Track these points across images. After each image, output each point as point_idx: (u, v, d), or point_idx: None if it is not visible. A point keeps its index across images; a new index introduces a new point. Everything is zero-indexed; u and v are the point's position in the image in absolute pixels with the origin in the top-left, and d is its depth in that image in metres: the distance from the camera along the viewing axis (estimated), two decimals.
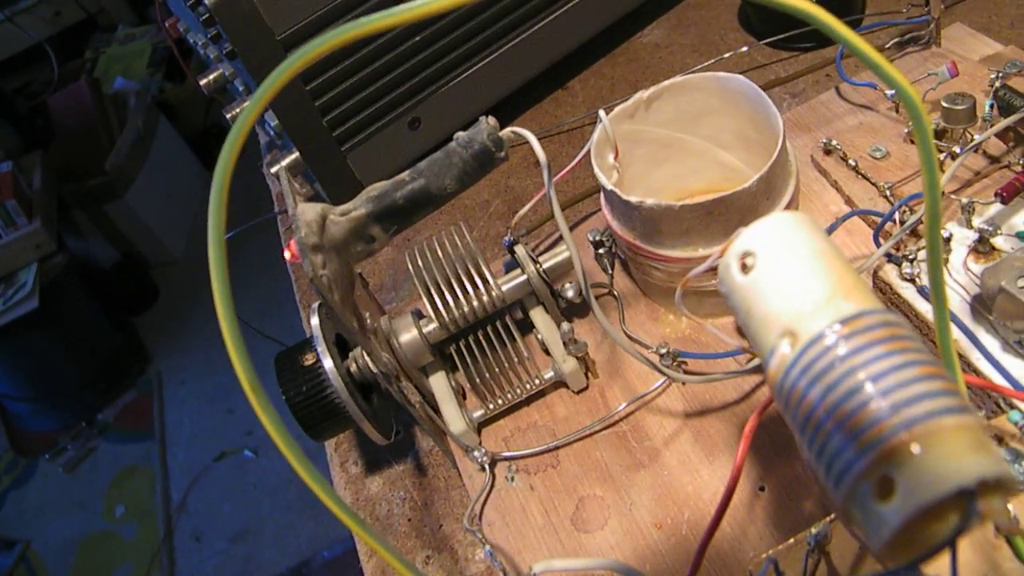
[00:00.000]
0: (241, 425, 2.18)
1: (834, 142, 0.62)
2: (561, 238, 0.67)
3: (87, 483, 2.20)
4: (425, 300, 0.54)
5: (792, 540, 0.41)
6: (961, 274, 0.50)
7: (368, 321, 0.49)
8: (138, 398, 2.36)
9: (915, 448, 0.24)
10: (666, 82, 0.57)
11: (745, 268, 0.31)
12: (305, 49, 0.30)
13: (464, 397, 0.58)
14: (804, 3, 0.27)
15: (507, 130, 0.48)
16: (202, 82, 0.83)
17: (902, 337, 0.27)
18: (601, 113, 0.55)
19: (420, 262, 0.55)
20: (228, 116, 0.79)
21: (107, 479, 2.18)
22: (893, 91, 0.64)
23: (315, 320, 0.52)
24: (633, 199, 0.50)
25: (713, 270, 0.51)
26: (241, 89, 0.79)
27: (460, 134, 0.48)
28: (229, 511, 2.02)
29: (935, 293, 0.32)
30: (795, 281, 0.29)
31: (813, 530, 0.40)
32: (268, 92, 0.31)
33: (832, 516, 0.41)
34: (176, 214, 2.69)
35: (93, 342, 2.31)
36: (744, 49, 0.78)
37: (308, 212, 0.45)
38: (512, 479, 0.54)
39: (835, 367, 0.27)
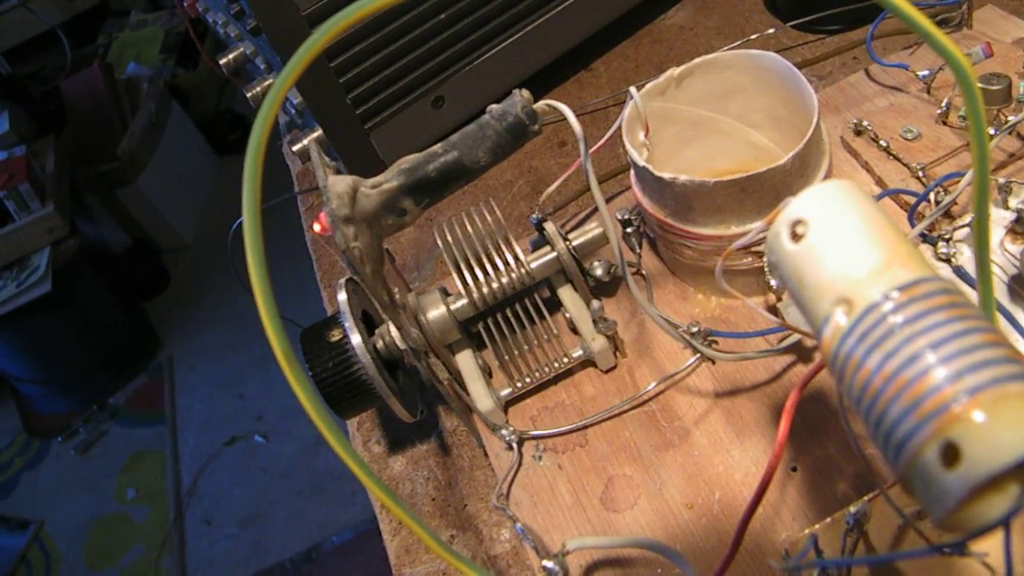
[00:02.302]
0: (251, 410, 2.18)
1: (865, 123, 0.61)
2: (587, 218, 0.66)
3: (99, 465, 2.20)
4: (455, 276, 0.53)
5: (829, 519, 0.41)
6: (998, 255, 0.49)
7: (397, 297, 0.49)
8: (149, 382, 2.37)
9: (979, 415, 0.24)
10: (698, 59, 0.56)
11: (796, 236, 0.30)
12: (342, 15, 0.30)
13: (490, 376, 0.58)
14: None
15: (541, 103, 0.47)
16: (221, 61, 0.82)
17: (961, 304, 0.26)
18: (632, 90, 0.54)
19: (449, 238, 0.54)
20: (248, 95, 0.79)
21: (119, 462, 2.19)
22: (925, 72, 0.63)
23: (342, 295, 0.52)
24: (667, 176, 0.50)
25: (746, 248, 0.51)
26: (263, 67, 0.78)
27: (494, 106, 0.47)
28: (239, 495, 2.02)
29: (980, 265, 0.31)
30: (849, 248, 0.29)
31: (851, 509, 0.40)
32: (305, 58, 0.30)
33: (871, 495, 0.41)
34: (187, 200, 2.69)
35: (105, 326, 2.32)
36: (770, 31, 0.77)
37: (339, 184, 0.44)
38: (540, 458, 0.53)
39: (894, 334, 0.26)
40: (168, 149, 2.55)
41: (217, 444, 2.14)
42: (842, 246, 0.29)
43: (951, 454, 0.24)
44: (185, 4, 0.92)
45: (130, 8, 2.96)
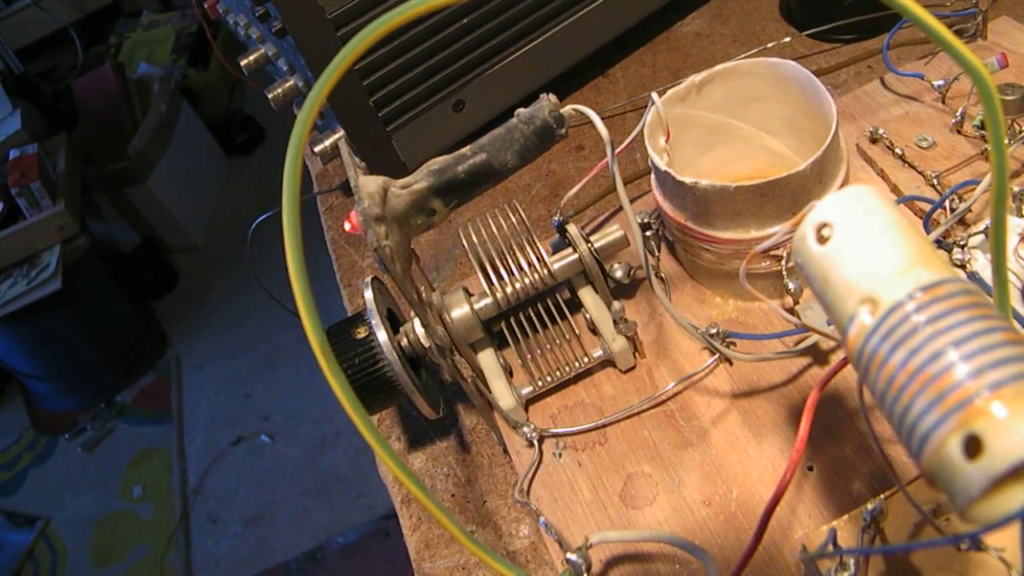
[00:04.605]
0: (258, 410, 2.19)
1: (880, 131, 0.62)
2: (606, 221, 0.67)
3: (106, 463, 2.22)
4: (480, 275, 0.54)
5: (847, 516, 0.42)
6: (1012, 261, 0.50)
7: (423, 295, 0.50)
8: (156, 381, 2.38)
9: (1001, 409, 0.25)
10: (718, 67, 0.58)
11: (822, 239, 0.31)
12: (387, 17, 0.31)
13: (511, 374, 0.59)
14: None
15: (568, 107, 0.49)
16: (242, 63, 0.84)
17: (982, 305, 0.28)
18: (654, 95, 0.56)
19: (475, 238, 0.56)
20: (269, 96, 0.80)
21: (125, 460, 2.20)
22: (940, 82, 0.64)
23: (369, 294, 0.53)
24: (688, 180, 0.51)
25: (767, 251, 0.52)
26: (285, 69, 0.80)
27: (522, 110, 0.48)
28: (245, 495, 2.03)
29: (997, 270, 0.32)
30: (874, 250, 0.30)
31: (869, 506, 0.41)
32: (346, 60, 0.32)
33: (888, 493, 0.42)
34: (197, 199, 2.70)
35: (113, 324, 2.33)
36: (786, 40, 0.78)
37: (370, 184, 0.45)
38: (560, 455, 0.54)
39: (918, 332, 0.27)
40: (178, 149, 2.56)
41: (223, 443, 2.15)
42: (867, 248, 0.30)
43: (974, 446, 0.25)
44: (205, 5, 0.94)
45: (142, 8, 2.98)
